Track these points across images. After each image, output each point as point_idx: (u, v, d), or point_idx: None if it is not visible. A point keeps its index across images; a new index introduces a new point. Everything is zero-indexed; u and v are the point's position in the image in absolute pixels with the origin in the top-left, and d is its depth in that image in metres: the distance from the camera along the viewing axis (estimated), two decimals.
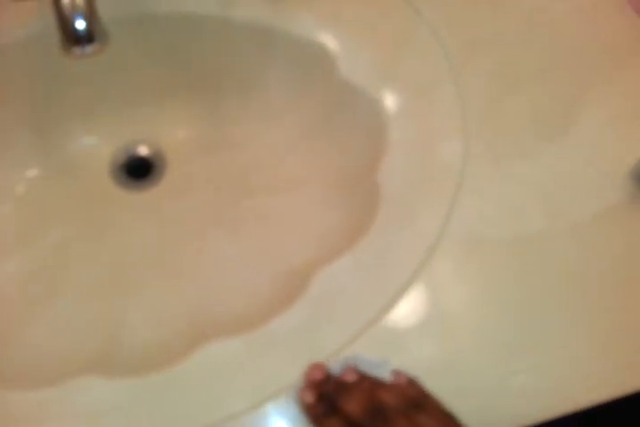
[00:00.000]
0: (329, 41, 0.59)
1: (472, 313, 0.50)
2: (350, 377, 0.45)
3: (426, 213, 0.53)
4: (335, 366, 0.47)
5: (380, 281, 0.51)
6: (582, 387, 0.49)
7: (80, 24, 0.46)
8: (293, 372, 0.48)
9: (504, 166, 0.55)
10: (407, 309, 0.50)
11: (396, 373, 0.46)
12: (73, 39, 0.47)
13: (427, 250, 0.51)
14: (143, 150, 0.67)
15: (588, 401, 0.49)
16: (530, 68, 0.59)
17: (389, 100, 0.57)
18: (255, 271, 0.58)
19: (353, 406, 0.43)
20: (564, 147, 0.56)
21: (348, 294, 0.50)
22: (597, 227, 0.54)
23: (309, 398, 0.45)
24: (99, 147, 0.66)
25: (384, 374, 0.47)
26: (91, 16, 0.47)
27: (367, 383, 0.45)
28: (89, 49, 0.47)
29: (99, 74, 0.62)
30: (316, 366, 0.47)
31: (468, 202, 0.54)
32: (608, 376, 0.50)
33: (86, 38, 0.47)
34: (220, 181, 0.65)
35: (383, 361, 0.47)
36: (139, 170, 0.66)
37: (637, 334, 0.51)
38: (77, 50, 0.47)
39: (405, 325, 0.50)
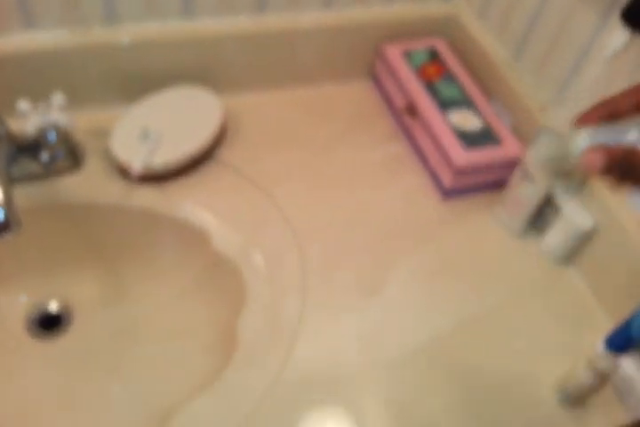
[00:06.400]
0: (204, 222, 0.76)
1: None
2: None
3: (271, 355, 0.67)
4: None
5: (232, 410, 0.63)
6: None
7: None
8: None
9: (333, 317, 0.71)
10: None
11: None
12: None
13: (267, 388, 0.65)
14: (54, 306, 0.81)
15: None
16: (355, 248, 0.77)
17: (249, 268, 0.74)
18: (130, 413, 0.70)
19: None
20: (380, 299, 0.73)
21: None
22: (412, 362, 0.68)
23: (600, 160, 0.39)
24: (16, 303, 0.80)
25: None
26: (8, 207, 0.63)
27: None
28: (4, 236, 0.62)
29: (17, 244, 0.77)
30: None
31: (302, 345, 0.68)
32: None
33: (3, 227, 0.62)
34: (116, 331, 0.79)
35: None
36: (50, 323, 0.80)
37: None
38: None
39: None
